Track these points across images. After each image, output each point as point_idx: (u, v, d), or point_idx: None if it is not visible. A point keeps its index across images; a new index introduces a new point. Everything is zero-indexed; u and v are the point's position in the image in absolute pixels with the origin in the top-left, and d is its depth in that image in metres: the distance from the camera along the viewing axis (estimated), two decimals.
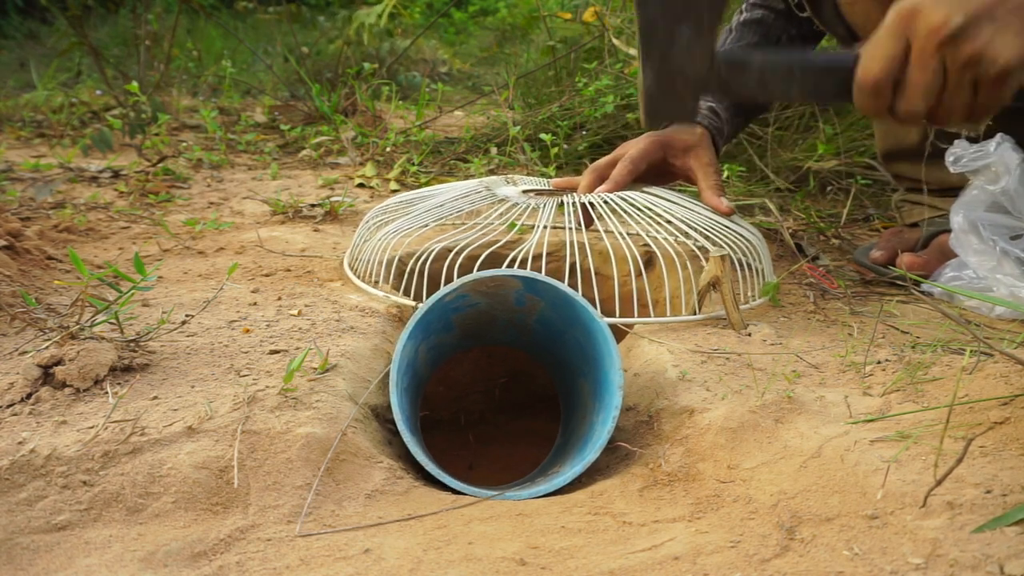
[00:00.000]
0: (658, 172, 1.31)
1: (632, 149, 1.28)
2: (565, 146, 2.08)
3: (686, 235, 1.16)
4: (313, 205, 1.73)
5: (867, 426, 0.74)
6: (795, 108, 2.01)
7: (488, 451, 1.39)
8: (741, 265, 1.14)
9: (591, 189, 1.25)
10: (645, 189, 1.25)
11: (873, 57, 0.88)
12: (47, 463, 0.71)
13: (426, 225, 1.21)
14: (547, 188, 1.34)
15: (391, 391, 0.83)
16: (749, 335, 1.02)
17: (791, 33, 1.41)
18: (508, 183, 1.36)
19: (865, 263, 1.35)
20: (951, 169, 1.17)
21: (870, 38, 0.89)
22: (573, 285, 0.90)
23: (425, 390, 1.21)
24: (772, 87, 0.94)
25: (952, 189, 1.28)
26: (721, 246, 1.12)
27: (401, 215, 1.27)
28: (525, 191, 1.30)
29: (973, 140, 1.15)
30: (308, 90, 2.70)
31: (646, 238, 1.15)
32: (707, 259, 1.04)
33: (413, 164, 2.12)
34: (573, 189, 1.30)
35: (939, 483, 0.60)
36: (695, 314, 1.09)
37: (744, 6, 1.45)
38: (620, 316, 1.12)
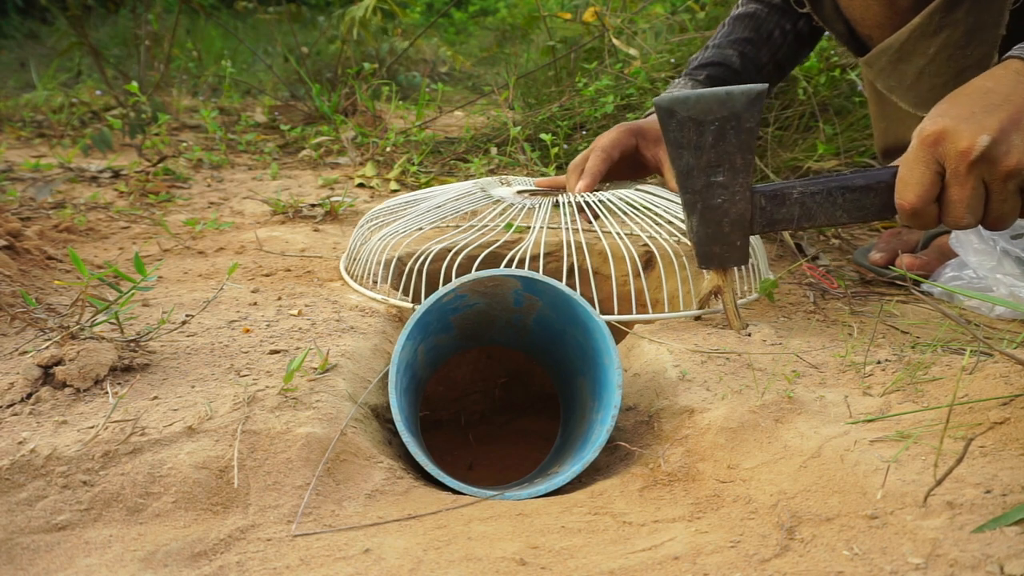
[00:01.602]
0: (631, 162, 1.30)
1: (604, 139, 1.27)
2: (565, 146, 2.08)
3: (685, 235, 1.16)
4: (313, 205, 1.73)
5: (867, 426, 0.74)
6: (795, 108, 2.01)
7: (488, 451, 1.39)
8: None
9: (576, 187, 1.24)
10: (645, 189, 1.25)
11: (907, 184, 0.88)
12: (47, 463, 0.71)
13: (420, 228, 1.20)
14: (541, 188, 1.34)
15: (390, 392, 0.83)
16: (749, 335, 1.02)
17: (784, 28, 1.40)
18: (502, 184, 1.36)
19: (865, 264, 1.35)
20: None
21: (901, 159, 0.89)
22: (572, 286, 0.90)
23: (425, 390, 1.21)
24: (816, 213, 0.95)
25: None
26: None
27: (395, 219, 1.27)
28: (520, 191, 1.30)
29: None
30: (308, 90, 2.70)
31: (645, 238, 1.14)
32: None
33: (413, 164, 2.12)
34: (559, 188, 1.30)
35: (939, 483, 0.60)
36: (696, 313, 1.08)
37: (740, 0, 1.45)
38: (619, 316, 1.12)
